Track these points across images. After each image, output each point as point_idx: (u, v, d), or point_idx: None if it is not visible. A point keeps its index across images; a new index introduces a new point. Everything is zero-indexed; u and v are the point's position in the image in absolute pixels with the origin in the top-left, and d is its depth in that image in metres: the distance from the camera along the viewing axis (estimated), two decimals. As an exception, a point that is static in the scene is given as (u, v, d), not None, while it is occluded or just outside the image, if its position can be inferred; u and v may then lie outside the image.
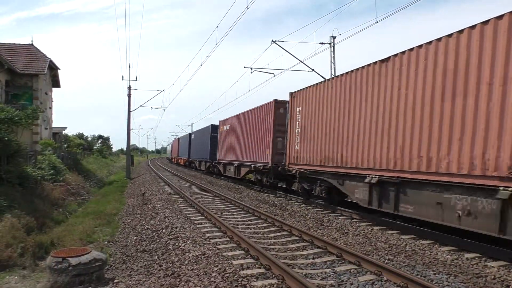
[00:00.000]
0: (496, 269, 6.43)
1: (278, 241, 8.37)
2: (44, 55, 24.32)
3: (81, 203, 15.93)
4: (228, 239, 8.24)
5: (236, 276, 5.64)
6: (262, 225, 10.09)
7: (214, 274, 5.78)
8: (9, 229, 8.26)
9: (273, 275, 5.80)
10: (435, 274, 6.09)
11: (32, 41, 25.21)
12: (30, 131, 19.52)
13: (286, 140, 15.23)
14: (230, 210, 12.65)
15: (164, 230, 9.27)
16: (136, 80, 41.97)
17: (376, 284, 5.55)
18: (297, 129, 14.33)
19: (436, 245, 7.90)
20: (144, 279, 6.06)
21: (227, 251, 7.22)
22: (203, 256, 6.77)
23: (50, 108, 27.43)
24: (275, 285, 5.42)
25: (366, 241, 8.34)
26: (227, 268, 6.04)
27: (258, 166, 18.44)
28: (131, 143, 37.32)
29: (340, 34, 45.67)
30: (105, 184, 25.15)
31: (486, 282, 5.80)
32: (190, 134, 44.39)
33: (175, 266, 6.44)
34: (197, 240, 7.97)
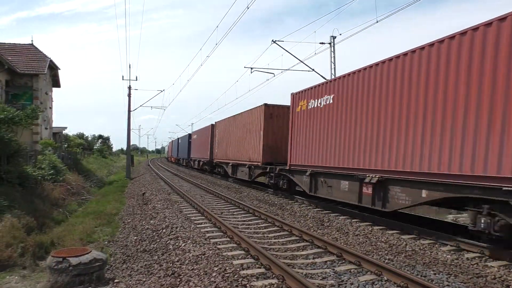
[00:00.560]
0: (496, 269, 6.43)
1: (278, 241, 8.37)
2: (44, 55, 24.31)
3: (81, 203, 15.92)
4: (228, 239, 8.24)
5: (236, 276, 5.64)
6: (262, 225, 10.09)
7: (214, 274, 5.78)
8: (9, 229, 8.26)
9: (273, 275, 5.80)
10: (435, 274, 6.09)
11: (32, 41, 25.21)
12: (30, 131, 19.51)
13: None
14: (230, 210, 12.64)
15: (164, 230, 9.27)
16: (136, 80, 41.93)
17: (376, 284, 5.55)
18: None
19: (436, 245, 7.90)
20: (144, 279, 6.06)
21: (227, 251, 7.22)
22: (203, 256, 6.77)
23: (50, 108, 27.42)
24: (275, 285, 5.42)
25: (366, 241, 8.33)
26: (227, 268, 6.04)
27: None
28: (131, 143, 37.37)
29: (340, 34, 45.56)
30: (105, 184, 25.14)
31: (486, 282, 5.80)
32: (178, 139, 59.54)
33: (175, 266, 6.44)
34: (197, 240, 7.97)
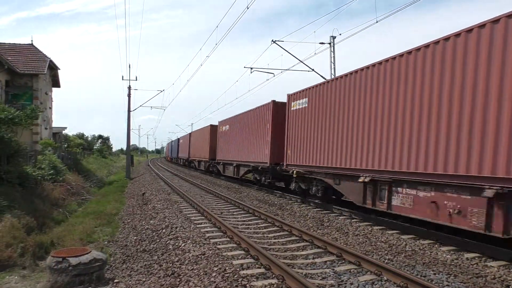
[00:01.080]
0: (496, 269, 6.43)
1: (278, 241, 8.37)
2: (44, 55, 24.30)
3: (81, 203, 15.92)
4: (228, 239, 8.24)
5: (236, 276, 5.65)
6: (262, 225, 10.09)
7: (214, 274, 5.79)
8: (9, 229, 8.26)
9: (273, 275, 5.81)
10: (435, 274, 6.09)
11: (32, 41, 25.20)
12: (30, 131, 19.50)
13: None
14: (230, 210, 12.65)
15: (164, 230, 9.27)
16: (136, 80, 42.02)
17: (376, 284, 5.55)
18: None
19: (436, 245, 7.90)
20: (144, 279, 6.07)
21: (227, 251, 7.22)
22: (203, 256, 6.77)
23: (50, 108, 27.42)
24: (275, 285, 5.42)
25: (366, 241, 8.34)
26: (227, 268, 6.04)
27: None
28: (131, 143, 37.38)
29: (340, 34, 45.62)
30: (105, 184, 25.13)
31: (486, 282, 5.80)
32: (172, 141, 73.64)
33: (175, 266, 6.44)
34: (197, 240, 7.97)
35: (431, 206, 7.98)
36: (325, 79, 19.99)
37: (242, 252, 7.16)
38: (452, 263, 6.71)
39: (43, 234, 9.29)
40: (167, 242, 8.10)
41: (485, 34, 6.92)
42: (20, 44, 25.23)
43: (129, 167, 32.11)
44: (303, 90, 14.00)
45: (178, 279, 5.75)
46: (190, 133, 44.84)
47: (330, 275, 5.94)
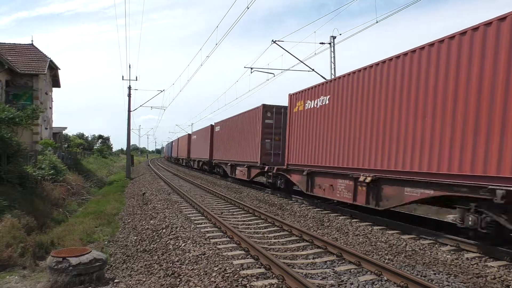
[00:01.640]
0: (496, 269, 6.43)
1: (278, 241, 8.37)
2: (44, 55, 24.32)
3: (81, 203, 15.93)
4: (228, 239, 8.24)
5: (236, 276, 5.64)
6: (262, 225, 10.09)
7: (214, 274, 5.79)
8: (9, 229, 8.25)
9: (273, 275, 5.81)
10: (435, 274, 6.09)
11: (32, 41, 25.24)
12: (30, 131, 19.52)
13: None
14: (230, 210, 12.65)
15: (164, 230, 9.27)
16: (136, 80, 41.99)
17: (376, 284, 5.55)
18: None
19: (436, 245, 7.91)
20: (144, 279, 6.07)
21: (227, 251, 7.22)
22: (203, 256, 6.77)
23: (50, 108, 27.45)
24: (275, 285, 5.42)
25: (366, 241, 8.34)
26: (227, 268, 6.04)
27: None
28: (131, 143, 37.37)
29: (340, 34, 45.48)
30: (105, 184, 25.13)
31: (486, 282, 5.81)
32: (170, 142, 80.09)
33: (175, 266, 6.44)
34: (197, 240, 7.97)
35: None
36: (325, 79, 19.99)
37: (242, 252, 7.16)
38: (452, 263, 6.71)
39: (43, 234, 9.30)
40: (167, 242, 8.09)
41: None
42: (20, 44, 25.28)
43: (129, 167, 32.11)
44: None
45: (178, 279, 5.75)
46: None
47: (330, 275, 5.94)
